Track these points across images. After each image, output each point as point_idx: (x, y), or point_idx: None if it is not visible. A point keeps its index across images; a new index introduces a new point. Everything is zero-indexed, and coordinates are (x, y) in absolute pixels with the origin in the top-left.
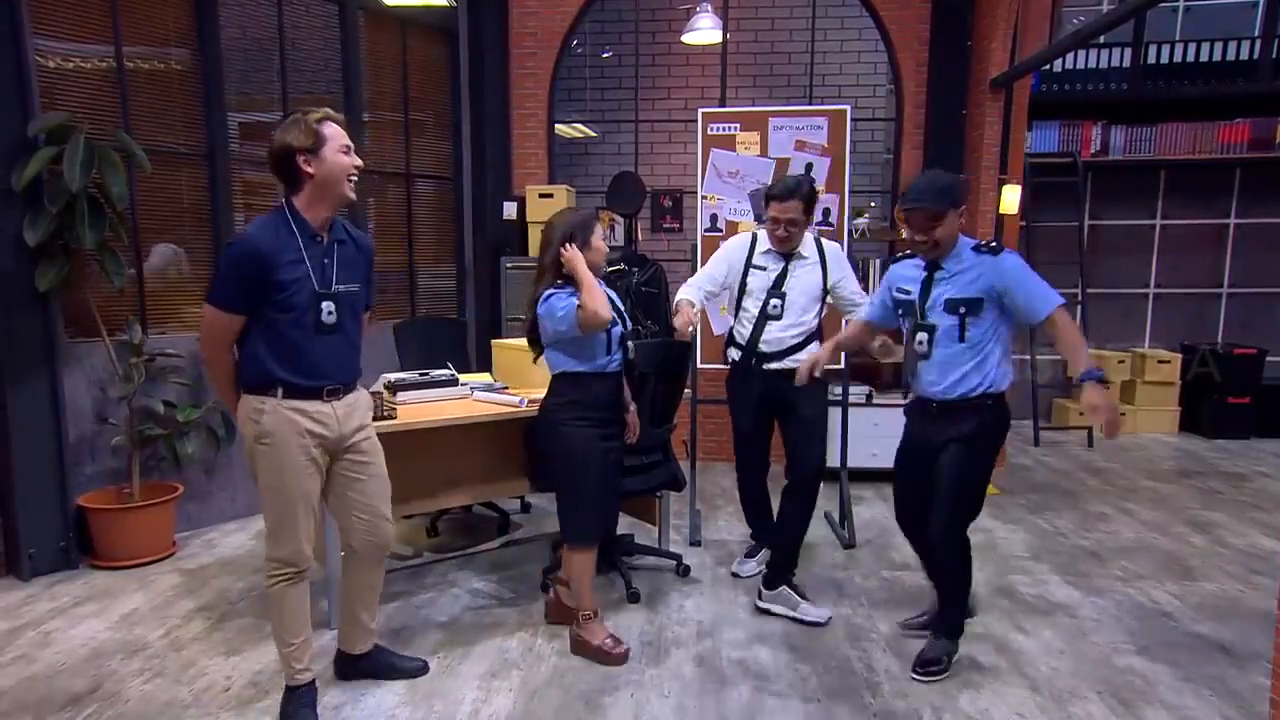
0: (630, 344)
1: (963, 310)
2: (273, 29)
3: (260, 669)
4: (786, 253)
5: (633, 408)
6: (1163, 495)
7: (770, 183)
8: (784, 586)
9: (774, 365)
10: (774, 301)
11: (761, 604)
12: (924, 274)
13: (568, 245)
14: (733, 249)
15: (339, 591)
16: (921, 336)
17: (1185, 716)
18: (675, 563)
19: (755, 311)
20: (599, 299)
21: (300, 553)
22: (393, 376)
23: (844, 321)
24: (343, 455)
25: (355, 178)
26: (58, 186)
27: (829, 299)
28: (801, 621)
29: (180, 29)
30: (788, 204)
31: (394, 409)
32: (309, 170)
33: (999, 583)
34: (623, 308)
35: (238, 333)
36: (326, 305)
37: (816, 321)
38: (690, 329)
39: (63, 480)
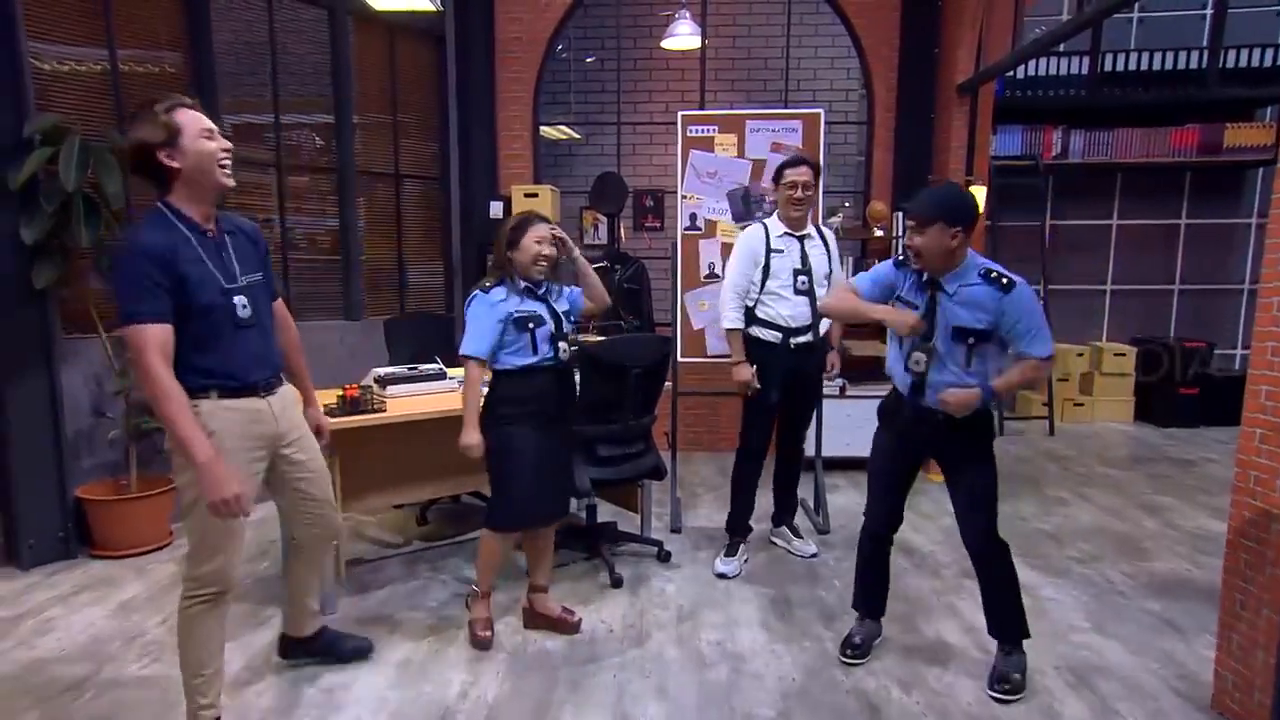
0: (563, 344)
1: (971, 341)
2: (264, 33)
3: (254, 654)
4: (799, 234)
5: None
6: (1118, 481)
7: (747, 183)
8: (784, 526)
9: (800, 340)
10: (802, 278)
11: (772, 539)
12: (924, 294)
13: None
14: (751, 241)
15: (287, 581)
16: (918, 356)
17: (1135, 688)
18: (657, 549)
19: (783, 292)
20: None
21: (224, 571)
22: (382, 371)
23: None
24: (281, 450)
25: (227, 162)
26: (54, 186)
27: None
28: (794, 553)
29: (173, 33)
30: (800, 169)
31: (384, 402)
32: (173, 164)
33: (964, 565)
34: (559, 308)
35: (173, 346)
36: (239, 300)
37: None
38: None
39: (61, 472)
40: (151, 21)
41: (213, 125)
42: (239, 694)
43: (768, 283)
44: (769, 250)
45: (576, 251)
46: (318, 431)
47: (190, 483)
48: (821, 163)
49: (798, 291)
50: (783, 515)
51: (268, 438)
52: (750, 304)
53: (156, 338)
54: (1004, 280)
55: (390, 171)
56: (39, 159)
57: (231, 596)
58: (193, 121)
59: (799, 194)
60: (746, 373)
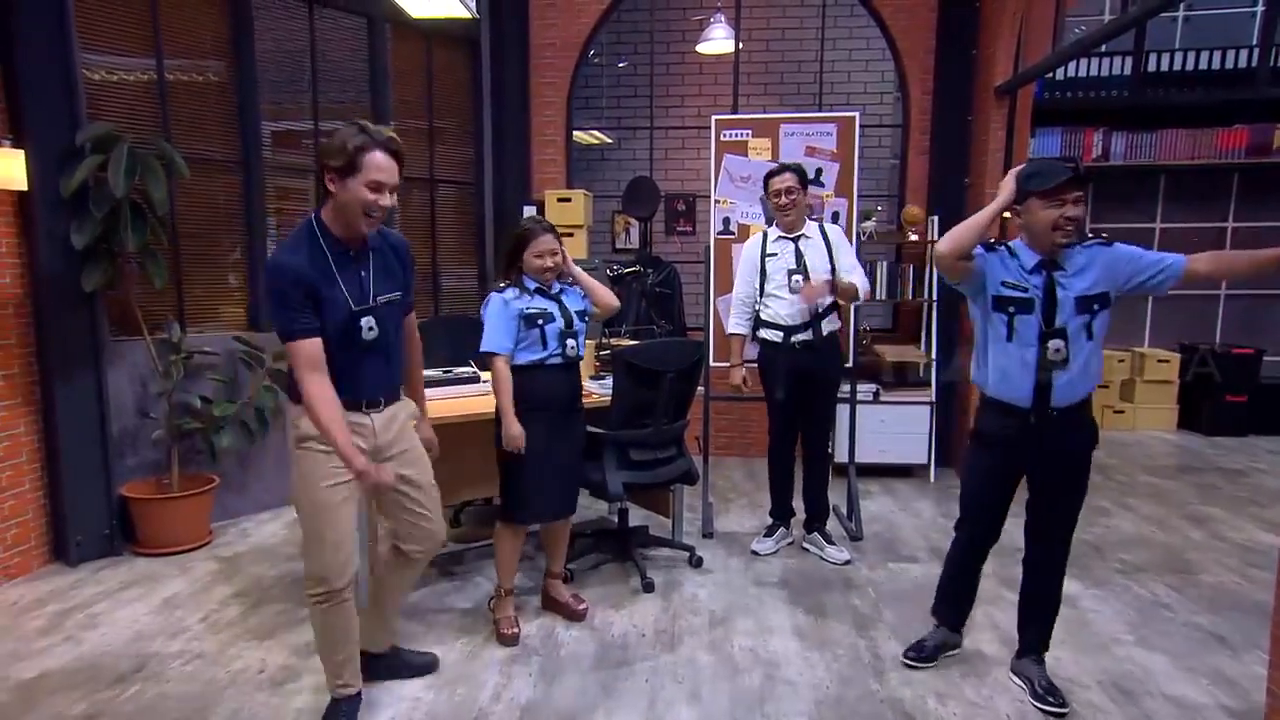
0: (570, 341)
1: (1096, 307)
2: (305, 41)
3: (293, 652)
4: (794, 236)
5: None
6: (1162, 490)
7: None
8: (815, 533)
9: (801, 337)
10: (796, 278)
11: (804, 545)
12: (1043, 275)
13: None
14: (749, 249)
15: (371, 588)
16: (1058, 344)
17: (1183, 705)
18: (689, 554)
19: (779, 293)
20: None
21: (332, 570)
22: None
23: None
24: (383, 463)
25: (375, 214)
26: (103, 193)
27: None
28: (825, 559)
29: (217, 42)
30: (783, 176)
31: None
32: (330, 188)
33: (1004, 574)
34: (572, 307)
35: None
36: (366, 321)
37: (831, 296)
38: (746, 388)
39: (107, 471)
40: (197, 31)
41: (385, 180)
42: (275, 692)
43: (765, 285)
44: (764, 255)
45: (573, 268)
46: (428, 446)
47: (300, 475)
48: (856, 166)
49: (793, 291)
50: (814, 521)
51: (365, 451)
52: (758, 309)
53: (307, 353)
54: (1104, 236)
55: (425, 176)
56: (89, 166)
57: (347, 593)
58: (369, 169)
59: (782, 200)
60: (737, 376)
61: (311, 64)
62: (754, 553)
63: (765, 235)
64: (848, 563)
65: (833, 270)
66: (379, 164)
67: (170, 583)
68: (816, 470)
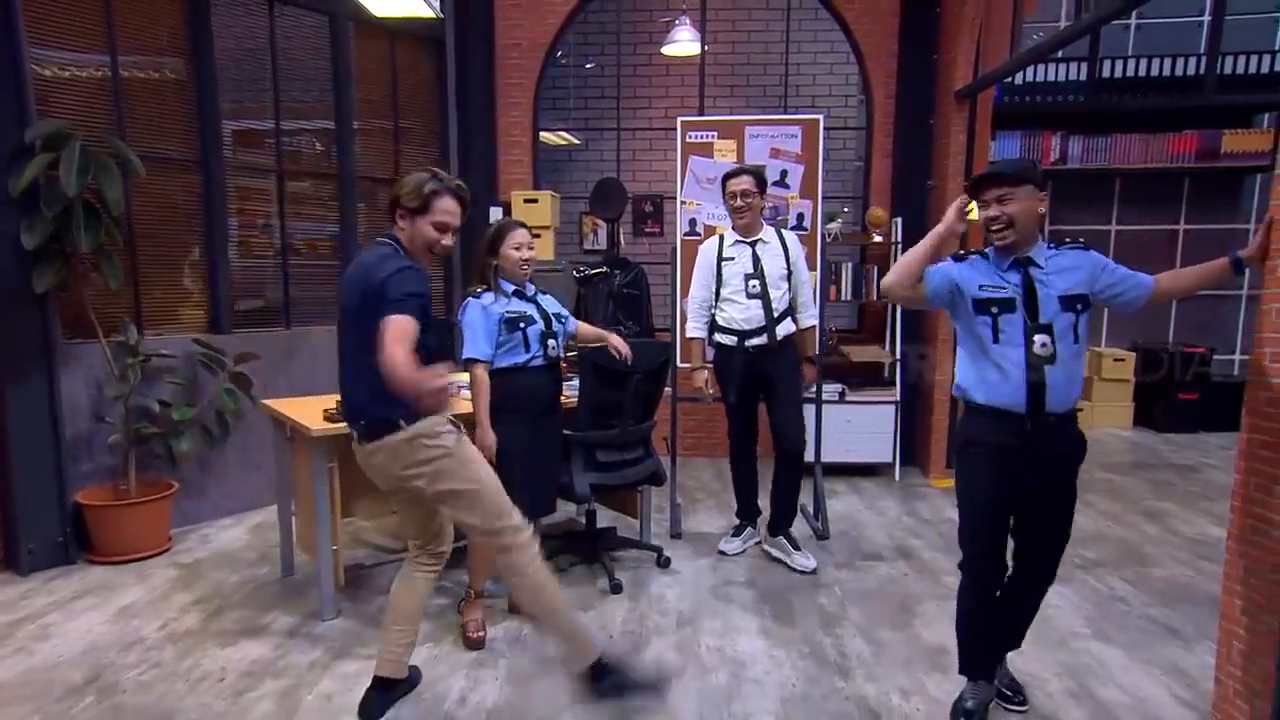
0: (551, 342)
1: (1079, 307)
2: (265, 39)
3: (255, 659)
4: (751, 240)
5: (610, 336)
6: (1118, 486)
7: None
8: (781, 536)
9: (755, 341)
10: (753, 283)
11: (765, 547)
12: (1020, 272)
13: None
14: (705, 252)
15: (410, 603)
16: (1044, 339)
17: (1137, 695)
18: (656, 555)
19: (735, 297)
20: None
21: (511, 509)
22: None
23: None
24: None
25: (438, 251)
26: (54, 192)
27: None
28: (792, 568)
29: (174, 38)
30: (740, 179)
31: None
32: (401, 222)
33: None
34: (549, 309)
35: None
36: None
37: (788, 300)
38: (709, 390)
39: (60, 477)
40: (153, 27)
41: (450, 222)
42: (236, 701)
43: (721, 289)
44: (720, 259)
45: (615, 340)
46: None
47: (472, 454)
48: (820, 168)
49: (749, 295)
50: (778, 525)
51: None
52: (713, 313)
53: (412, 328)
54: (1080, 240)
55: (390, 177)
56: (40, 164)
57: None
58: (438, 211)
59: (738, 202)
60: (699, 379)
61: (272, 62)
62: (721, 553)
63: (722, 239)
64: (814, 571)
65: (789, 276)
66: (446, 208)
67: (127, 591)
68: (785, 472)
